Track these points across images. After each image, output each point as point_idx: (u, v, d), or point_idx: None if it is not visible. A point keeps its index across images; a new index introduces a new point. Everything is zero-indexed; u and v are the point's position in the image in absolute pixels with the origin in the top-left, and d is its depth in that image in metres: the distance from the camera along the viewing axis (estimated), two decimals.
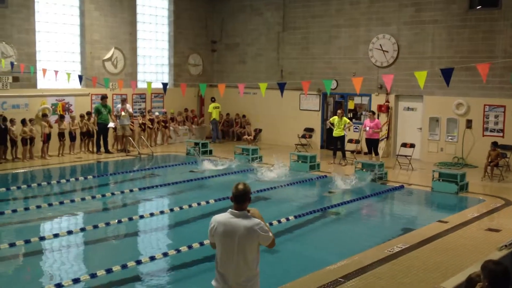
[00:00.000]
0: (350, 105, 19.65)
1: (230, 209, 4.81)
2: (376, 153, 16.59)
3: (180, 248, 8.59)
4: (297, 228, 10.39)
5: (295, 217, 10.71)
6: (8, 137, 16.40)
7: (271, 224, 10.11)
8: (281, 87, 13.43)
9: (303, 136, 20.21)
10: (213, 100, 21.64)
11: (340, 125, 16.90)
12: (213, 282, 4.86)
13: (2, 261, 8.46)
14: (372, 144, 16.67)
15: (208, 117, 22.11)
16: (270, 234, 4.80)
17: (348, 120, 17.38)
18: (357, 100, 19.54)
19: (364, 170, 14.75)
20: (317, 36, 20.32)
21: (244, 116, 22.30)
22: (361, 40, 19.16)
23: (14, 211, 10.91)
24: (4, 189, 12.81)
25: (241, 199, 4.76)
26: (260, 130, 21.75)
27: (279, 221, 10.35)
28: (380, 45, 18.58)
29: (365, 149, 17.43)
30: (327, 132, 20.71)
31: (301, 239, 9.96)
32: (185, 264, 8.24)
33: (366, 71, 18.48)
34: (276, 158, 15.53)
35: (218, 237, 4.78)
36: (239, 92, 14.92)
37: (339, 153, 17.32)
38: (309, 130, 20.56)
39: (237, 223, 4.71)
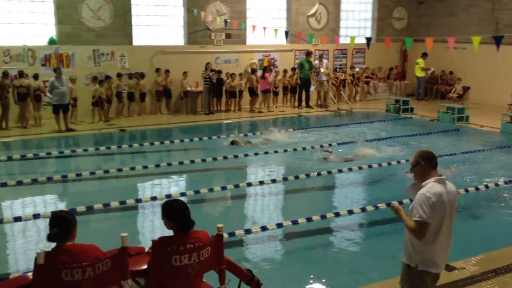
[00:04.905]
0: None
1: (435, 178, 4.31)
2: None
3: (378, 205, 8.56)
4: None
5: (505, 183, 9.84)
6: (224, 90, 17.88)
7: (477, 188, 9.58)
8: (498, 40, 12.22)
9: None
10: (424, 56, 20.31)
11: None
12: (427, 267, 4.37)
13: (212, 202, 9.38)
14: None
15: (414, 73, 21.10)
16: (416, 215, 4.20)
17: None
18: None
19: None
20: None
21: (451, 72, 20.89)
22: None
23: (225, 158, 11.95)
24: (215, 137, 14.12)
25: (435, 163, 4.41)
26: (468, 88, 20.19)
27: (487, 186, 9.76)
28: None
29: None
30: None
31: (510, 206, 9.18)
32: (383, 220, 8.19)
33: None
34: None
35: (443, 211, 4.22)
36: (447, 47, 13.96)
37: None
38: None
39: (452, 190, 4.34)
